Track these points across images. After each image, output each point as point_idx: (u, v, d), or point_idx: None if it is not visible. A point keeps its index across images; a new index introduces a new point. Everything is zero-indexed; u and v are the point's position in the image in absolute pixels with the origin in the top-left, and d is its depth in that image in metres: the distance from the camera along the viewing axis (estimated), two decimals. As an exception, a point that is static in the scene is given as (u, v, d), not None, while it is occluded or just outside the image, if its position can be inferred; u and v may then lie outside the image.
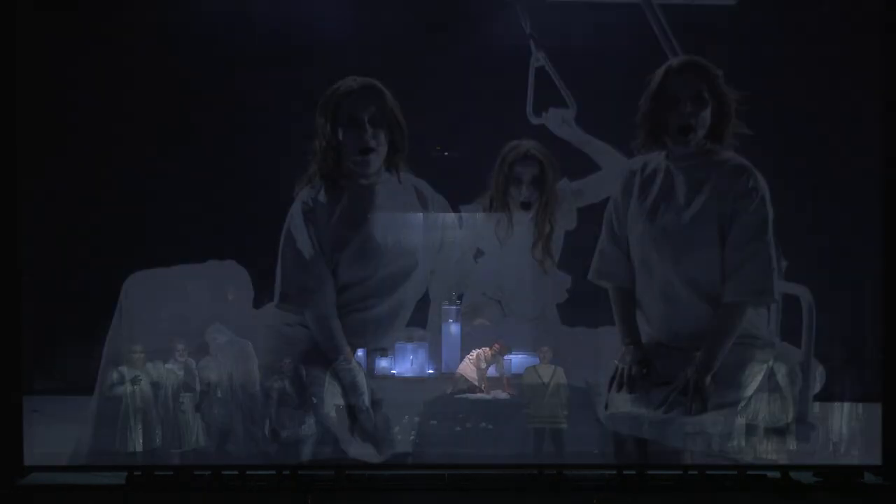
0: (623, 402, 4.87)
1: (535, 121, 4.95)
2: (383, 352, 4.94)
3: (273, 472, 4.86)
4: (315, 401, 4.85)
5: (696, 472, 4.91)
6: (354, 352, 4.88)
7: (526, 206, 4.98)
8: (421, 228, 4.96)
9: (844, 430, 4.96)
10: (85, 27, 4.85)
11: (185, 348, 4.86)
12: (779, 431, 4.90)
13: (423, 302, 5.01)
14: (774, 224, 4.79)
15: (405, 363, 4.96)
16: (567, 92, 4.94)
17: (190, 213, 4.86)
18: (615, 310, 4.93)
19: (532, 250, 4.99)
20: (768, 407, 4.88)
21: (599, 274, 4.93)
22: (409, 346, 4.96)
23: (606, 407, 4.90)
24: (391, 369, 4.95)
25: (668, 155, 4.84)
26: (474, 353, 4.95)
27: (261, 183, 4.85)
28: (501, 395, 4.94)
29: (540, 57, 4.93)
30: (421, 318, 5.00)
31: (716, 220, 4.74)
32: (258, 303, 4.91)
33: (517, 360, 5.00)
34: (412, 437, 4.90)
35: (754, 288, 4.76)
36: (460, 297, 5.02)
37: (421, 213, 4.96)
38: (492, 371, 4.97)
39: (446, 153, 4.96)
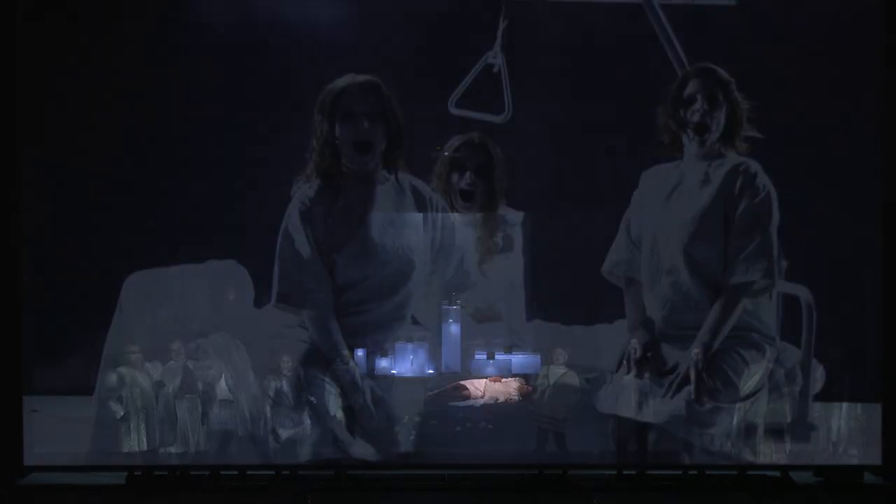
0: (624, 388, 4.89)
1: (454, 111, 4.91)
2: (383, 352, 4.93)
3: (273, 472, 4.86)
4: (314, 401, 4.85)
5: (696, 472, 4.91)
6: (354, 352, 4.87)
7: (466, 195, 4.94)
8: (420, 229, 4.95)
9: (844, 430, 4.96)
10: (84, 26, 4.84)
11: (182, 349, 4.86)
12: (779, 431, 4.91)
13: (423, 302, 5.00)
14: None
15: (405, 363, 4.95)
16: (509, 96, 4.90)
17: (190, 213, 4.86)
18: (626, 300, 4.96)
19: (477, 244, 4.95)
20: (768, 406, 4.89)
21: (613, 265, 4.96)
22: (409, 346, 4.95)
23: (605, 391, 4.90)
24: (391, 369, 4.95)
25: (684, 157, 4.91)
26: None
27: (261, 182, 4.85)
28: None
29: (498, 55, 4.89)
30: (421, 319, 5.00)
31: (721, 210, 4.84)
32: (259, 302, 4.90)
33: (517, 360, 5.00)
34: (412, 437, 4.90)
35: (752, 270, 4.81)
36: (460, 298, 5.01)
37: (420, 214, 4.95)
38: (491, 370, 4.97)
39: (446, 153, 4.95)
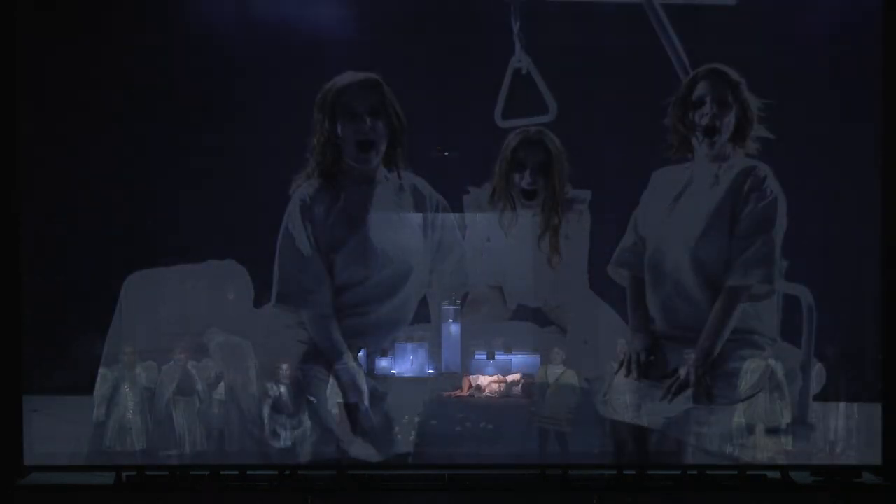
0: (625, 391, 4.89)
1: (502, 124, 4.91)
2: (383, 352, 4.93)
3: (273, 472, 4.86)
4: (315, 401, 4.84)
5: (695, 472, 4.91)
6: (355, 353, 4.87)
7: (529, 193, 4.94)
8: (420, 228, 4.94)
9: (844, 430, 4.96)
10: (84, 26, 4.84)
11: (183, 350, 4.86)
12: (779, 431, 4.91)
13: (423, 302, 5.00)
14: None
15: (405, 363, 4.95)
16: (549, 95, 4.90)
17: (190, 213, 4.86)
18: (629, 298, 4.97)
19: (539, 242, 4.95)
20: (768, 406, 4.89)
21: (619, 263, 4.97)
22: (409, 346, 4.96)
23: (606, 395, 4.90)
24: (391, 369, 4.95)
25: (694, 158, 4.91)
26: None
27: (261, 182, 4.85)
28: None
29: (523, 58, 4.90)
30: (421, 318, 5.00)
31: (729, 211, 4.85)
32: (258, 302, 4.90)
33: (517, 360, 5.00)
34: (412, 437, 4.90)
35: (753, 274, 4.81)
36: (461, 298, 5.00)
37: (420, 214, 4.94)
38: (491, 370, 4.98)
39: (446, 153, 4.95)
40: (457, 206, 4.97)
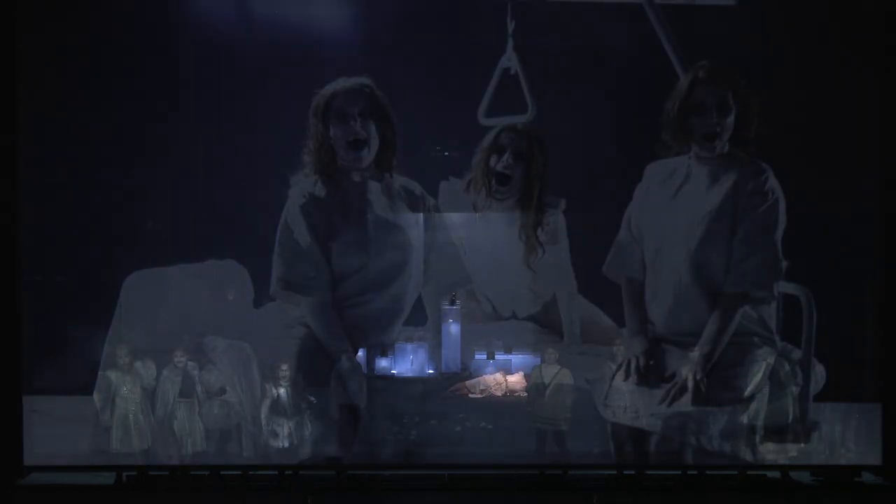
0: (624, 395, 4.89)
1: (485, 122, 4.91)
2: (383, 351, 4.93)
3: (273, 472, 4.87)
4: (315, 400, 4.85)
5: (695, 472, 4.91)
6: (356, 351, 4.88)
7: (503, 178, 4.91)
8: (412, 227, 4.95)
9: (844, 430, 4.96)
10: (83, 24, 4.85)
11: (184, 353, 4.87)
12: (779, 431, 4.91)
13: (422, 301, 5.01)
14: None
15: (405, 363, 4.96)
16: (531, 96, 4.89)
17: (190, 213, 4.86)
18: (626, 301, 4.96)
19: (519, 232, 4.93)
20: (768, 406, 4.88)
21: (614, 264, 4.95)
22: (409, 346, 4.96)
23: (606, 398, 4.90)
24: (391, 369, 4.95)
25: (691, 156, 4.89)
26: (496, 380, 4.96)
27: (260, 182, 4.86)
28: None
29: (512, 58, 4.90)
30: (421, 318, 5.01)
31: (729, 213, 4.82)
32: (258, 302, 4.91)
33: (517, 360, 5.00)
34: (412, 437, 4.90)
35: (754, 280, 4.81)
36: (455, 298, 5.01)
37: (413, 214, 4.95)
38: (489, 369, 4.98)
39: (446, 153, 4.96)
40: (442, 200, 4.97)
